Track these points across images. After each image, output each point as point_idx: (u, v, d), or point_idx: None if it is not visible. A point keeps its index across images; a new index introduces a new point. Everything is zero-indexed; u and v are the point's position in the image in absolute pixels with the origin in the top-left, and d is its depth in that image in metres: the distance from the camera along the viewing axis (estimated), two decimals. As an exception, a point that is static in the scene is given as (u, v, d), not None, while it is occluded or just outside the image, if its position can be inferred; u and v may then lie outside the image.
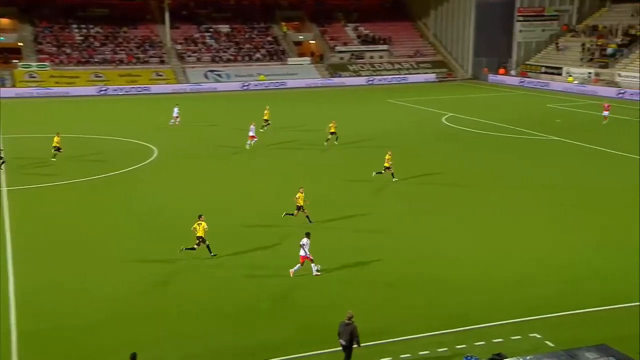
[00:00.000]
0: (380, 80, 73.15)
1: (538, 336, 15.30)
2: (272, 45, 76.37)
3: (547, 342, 15.02)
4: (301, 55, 76.84)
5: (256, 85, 69.10)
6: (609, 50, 66.94)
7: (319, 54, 76.72)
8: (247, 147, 36.88)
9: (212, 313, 16.88)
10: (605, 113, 45.59)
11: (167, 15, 71.29)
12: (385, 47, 78.50)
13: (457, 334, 15.55)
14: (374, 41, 78.92)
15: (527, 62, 74.25)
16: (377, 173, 29.44)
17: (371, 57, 77.12)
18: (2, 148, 34.26)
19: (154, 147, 37.39)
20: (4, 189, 28.47)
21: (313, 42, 79.22)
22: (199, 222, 20.10)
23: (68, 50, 68.69)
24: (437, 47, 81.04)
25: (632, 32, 67.53)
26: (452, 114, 49.73)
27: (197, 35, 75.14)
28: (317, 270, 18.94)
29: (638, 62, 63.47)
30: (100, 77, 66.42)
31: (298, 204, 23.20)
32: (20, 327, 16.10)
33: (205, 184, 29.79)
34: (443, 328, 15.81)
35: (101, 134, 41.62)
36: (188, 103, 47.27)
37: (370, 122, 46.27)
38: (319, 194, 25.15)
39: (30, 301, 17.59)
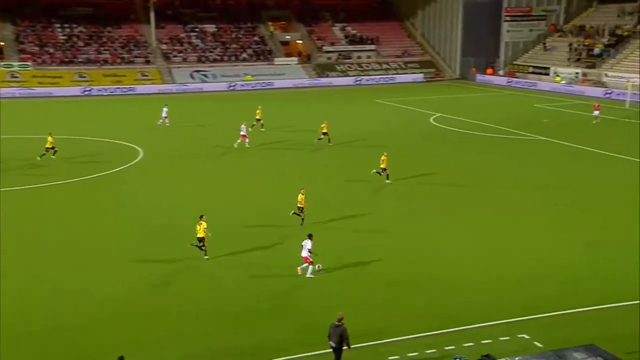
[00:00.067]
0: (367, 80, 72.79)
1: (527, 337, 15.28)
2: (258, 45, 75.77)
3: (535, 342, 14.98)
4: (288, 55, 76.32)
5: (243, 85, 68.50)
6: (596, 51, 67.04)
7: (306, 54, 76.24)
8: (236, 145, 36.86)
9: (212, 313, 16.89)
10: (596, 113, 45.53)
11: (152, 15, 70.47)
12: (372, 47, 78.17)
13: (445, 335, 15.52)
14: (361, 41, 78.57)
15: (515, 62, 74.23)
16: (376, 172, 29.24)
17: (359, 57, 76.74)
18: None
19: (139, 148, 36.99)
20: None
21: (300, 42, 78.71)
22: (200, 222, 19.99)
23: (51, 50, 67.68)
24: (424, 47, 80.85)
25: (619, 32, 67.69)
26: (440, 114, 49.55)
27: (182, 35, 74.37)
28: (313, 272, 18.77)
29: (625, 63, 63.62)
30: (84, 77, 65.51)
31: (300, 205, 23.08)
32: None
33: (200, 184, 29.65)
34: (432, 329, 15.77)
35: (90, 135, 41.05)
36: (174, 103, 46.99)
37: (358, 123, 45.94)
38: (315, 194, 25.04)
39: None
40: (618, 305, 17.01)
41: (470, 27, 74.65)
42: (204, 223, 19.96)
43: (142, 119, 48.20)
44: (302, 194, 23.09)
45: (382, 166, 28.90)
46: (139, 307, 17.23)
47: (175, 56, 71.26)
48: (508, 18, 75.16)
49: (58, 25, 70.95)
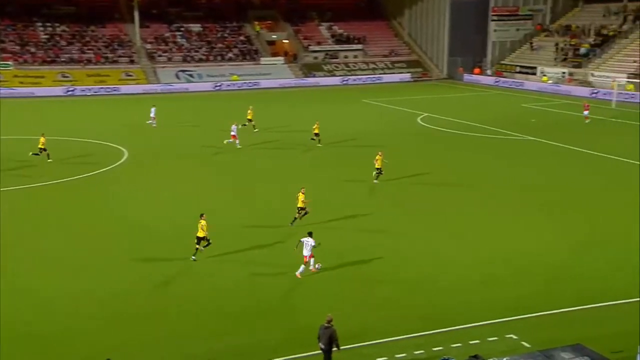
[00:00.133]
0: (354, 80, 72.43)
1: (514, 337, 15.30)
2: (244, 45, 75.11)
3: (523, 342, 15.01)
4: (274, 55, 75.73)
5: (229, 85, 67.85)
6: (582, 50, 67.20)
7: (293, 54, 75.70)
8: (225, 142, 36.81)
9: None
10: (586, 112, 45.51)
11: (136, 14, 69.57)
12: (359, 46, 77.82)
13: (434, 335, 15.50)
14: (348, 41, 78.19)
15: (502, 62, 74.23)
16: (377, 175, 29.05)
17: (345, 57, 76.37)
18: None
19: (124, 149, 36.54)
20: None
21: (286, 41, 78.15)
22: (200, 220, 19.92)
23: (32, 49, 66.56)
24: (411, 47, 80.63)
25: (604, 32, 67.88)
26: (427, 114, 49.36)
27: (167, 35, 73.52)
28: (305, 272, 18.76)
29: (611, 62, 63.79)
30: (67, 77, 64.53)
31: (300, 206, 22.96)
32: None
33: (193, 184, 29.45)
34: (420, 330, 15.74)
35: (73, 135, 40.38)
36: (160, 104, 46.54)
37: (345, 123, 45.58)
38: (311, 195, 24.74)
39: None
40: (604, 305, 17.10)
41: (458, 27, 74.50)
42: (203, 221, 19.85)
43: (127, 119, 47.61)
44: (303, 193, 22.96)
45: (376, 166, 28.85)
46: (139, 307, 17.23)
47: (160, 56, 70.43)
48: (495, 17, 75.15)
49: (40, 24, 69.81)
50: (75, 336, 15.74)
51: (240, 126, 39.04)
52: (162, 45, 71.95)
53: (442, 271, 19.47)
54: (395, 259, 20.41)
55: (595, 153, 35.52)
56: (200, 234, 19.82)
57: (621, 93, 55.99)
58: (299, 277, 18.72)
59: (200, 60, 71.21)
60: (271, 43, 77.60)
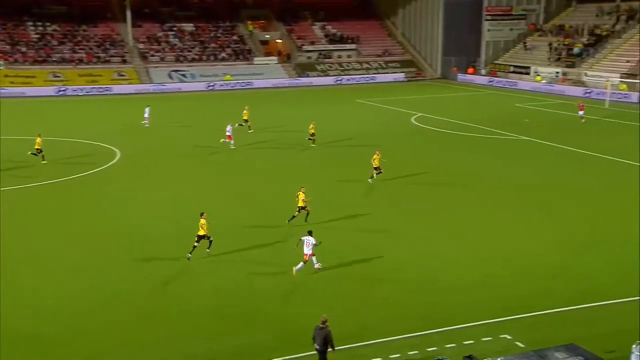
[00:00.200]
0: (348, 80, 72.21)
1: (508, 337, 15.31)
2: (237, 45, 74.75)
3: (517, 342, 15.01)
4: (268, 54, 75.42)
5: (222, 85, 67.48)
6: (576, 50, 67.23)
7: (286, 54, 75.40)
8: (221, 141, 36.68)
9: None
10: (581, 112, 45.50)
11: (128, 13, 69.12)
12: (353, 46, 77.61)
13: (428, 336, 15.49)
14: (341, 40, 77.97)
15: (496, 62, 74.19)
16: (377, 174, 29.01)
17: (339, 57, 76.15)
18: None
19: (117, 149, 36.30)
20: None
21: (280, 41, 77.84)
22: (200, 219, 19.98)
23: (23, 49, 65.99)
24: (405, 47, 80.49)
25: (598, 32, 67.95)
26: (421, 114, 49.23)
27: (160, 34, 73.07)
28: (298, 270, 18.79)
29: (604, 62, 63.84)
30: (58, 77, 64.01)
31: (300, 205, 22.95)
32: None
33: (192, 184, 29.37)
34: (414, 330, 15.72)
35: (65, 136, 39.99)
36: (153, 104, 46.10)
37: (339, 123, 45.35)
38: (309, 194, 24.70)
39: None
40: (598, 305, 17.12)
41: (451, 26, 74.41)
42: (203, 220, 19.89)
43: (120, 119, 47.26)
44: (303, 193, 22.95)
45: (374, 165, 28.86)
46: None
47: (152, 55, 69.98)
48: (489, 17, 75.07)
49: (30, 23, 69.21)
50: (75, 336, 15.72)
51: (236, 125, 38.87)
52: (154, 45, 71.50)
53: (439, 271, 19.43)
54: (392, 259, 20.36)
55: (590, 153, 35.45)
56: (201, 232, 19.85)
57: (614, 93, 56.04)
58: (294, 273, 18.69)
59: (193, 60, 70.81)
60: (264, 43, 77.27)
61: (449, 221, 24.11)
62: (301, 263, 18.75)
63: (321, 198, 25.52)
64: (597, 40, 66.69)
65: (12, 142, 36.41)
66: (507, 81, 68.81)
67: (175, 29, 74.16)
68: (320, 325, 13.69)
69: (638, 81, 57.68)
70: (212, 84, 67.24)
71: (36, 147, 32.55)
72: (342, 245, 21.24)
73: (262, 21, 79.55)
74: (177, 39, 73.04)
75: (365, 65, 75.65)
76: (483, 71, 74.02)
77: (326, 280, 18.79)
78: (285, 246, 20.95)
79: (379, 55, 77.44)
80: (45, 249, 21.39)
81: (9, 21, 68.35)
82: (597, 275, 19.28)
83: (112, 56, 68.41)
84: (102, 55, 68.25)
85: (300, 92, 65.67)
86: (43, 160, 32.60)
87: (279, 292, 18.08)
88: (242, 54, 73.25)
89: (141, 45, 70.80)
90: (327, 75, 72.96)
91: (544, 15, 76.64)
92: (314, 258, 18.86)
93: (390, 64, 76.47)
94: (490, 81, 69.92)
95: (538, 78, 66.71)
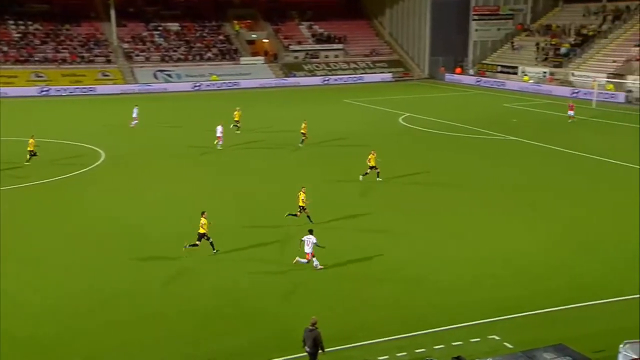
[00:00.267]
0: (335, 80, 71.79)
1: (497, 338, 15.31)
2: (224, 44, 74.06)
3: (505, 343, 15.02)
4: (254, 54, 74.83)
5: (208, 85, 66.79)
6: (563, 50, 67.29)
7: (273, 53, 74.84)
8: (216, 142, 36.42)
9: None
10: (571, 112, 45.49)
11: (112, 13, 68.24)
12: (340, 46, 77.20)
13: (416, 337, 15.47)
14: (329, 40, 77.53)
15: (484, 62, 74.13)
16: (364, 175, 29.13)
17: (326, 57, 75.69)
18: None
19: (101, 151, 35.84)
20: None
21: (266, 41, 77.25)
22: (201, 219, 20.17)
23: (5, 48, 64.90)
24: (393, 46, 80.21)
25: (584, 31, 68.05)
26: (409, 114, 49.00)
27: (145, 34, 72.20)
28: (297, 261, 19.10)
29: (591, 62, 63.93)
30: (41, 77, 63.03)
31: (301, 205, 23.07)
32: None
33: (185, 185, 29.25)
34: (402, 332, 15.69)
35: (49, 137, 39.12)
36: (139, 104, 45.51)
37: (327, 123, 44.91)
38: (307, 195, 24.64)
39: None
40: (586, 305, 17.16)
41: (439, 26, 74.22)
42: (203, 219, 20.08)
43: (105, 120, 46.71)
44: (303, 193, 23.06)
45: (370, 164, 28.92)
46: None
47: (137, 55, 69.12)
48: (476, 17, 75.02)
49: (12, 22, 68.06)
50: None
51: (231, 127, 38.69)
52: (139, 45, 70.64)
53: (431, 272, 19.40)
54: (390, 259, 20.34)
55: (577, 153, 35.39)
56: (201, 231, 20.06)
57: (601, 93, 56.08)
58: (294, 262, 19.16)
59: (179, 60, 70.06)
60: (251, 42, 76.65)
61: (442, 221, 24.18)
62: (304, 260, 19.04)
63: (318, 198, 25.39)
64: (584, 40, 66.78)
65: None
66: (494, 81, 68.73)
67: (160, 28, 73.33)
68: (310, 327, 13.60)
69: (624, 81, 57.80)
70: (198, 84, 66.55)
71: (29, 148, 32.41)
72: (341, 245, 21.18)
73: (249, 21, 78.90)
74: (162, 39, 72.22)
75: (352, 65, 75.28)
76: (471, 71, 73.90)
77: (326, 280, 18.81)
78: (285, 246, 21.03)
79: (366, 55, 77.10)
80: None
81: (-10, 20, 67.36)
82: (586, 275, 19.28)
83: (96, 56, 67.49)
84: (86, 55, 67.29)
85: (287, 92, 65.20)
86: (27, 161, 32.26)
87: (279, 292, 18.10)
88: (229, 54, 72.59)
89: (126, 45, 69.91)
90: (315, 75, 72.49)
91: (531, 15, 76.72)
92: (314, 259, 18.99)
93: (377, 64, 76.15)
94: (478, 81, 69.81)
95: (525, 78, 66.70)
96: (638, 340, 13.14)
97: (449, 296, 17.76)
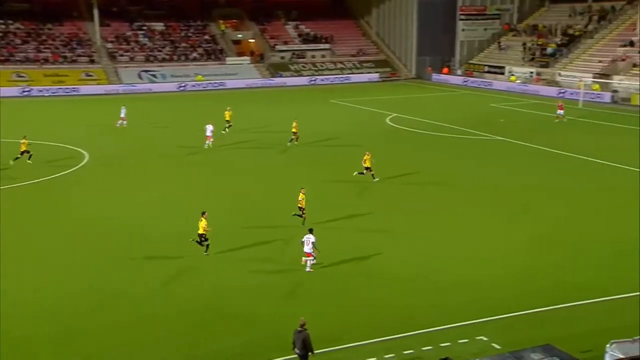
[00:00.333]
0: (322, 80, 71.36)
1: (485, 339, 15.30)
2: (209, 44, 73.36)
3: (493, 344, 15.01)
4: (240, 54, 74.18)
5: (193, 85, 66.11)
6: (549, 50, 67.35)
7: (259, 54, 74.26)
8: (206, 145, 36.29)
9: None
10: (561, 112, 45.49)
11: (95, 12, 67.32)
12: (327, 46, 76.80)
13: (404, 338, 15.42)
14: (315, 40, 77.10)
15: (471, 62, 74.04)
16: (358, 173, 29.09)
17: (313, 57, 75.26)
18: None
19: (85, 152, 35.39)
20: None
21: (252, 40, 76.63)
22: (201, 219, 20.16)
23: (-16, 48, 63.86)
24: (380, 46, 79.93)
25: (570, 32, 68.17)
26: (396, 114, 48.76)
27: (129, 34, 71.31)
28: (311, 268, 19.15)
29: (577, 62, 64.02)
30: (22, 77, 62.00)
31: (300, 205, 22.95)
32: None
33: (179, 185, 29.12)
34: (390, 333, 15.61)
35: (32, 138, 38.02)
36: (123, 105, 44.68)
37: (314, 124, 44.39)
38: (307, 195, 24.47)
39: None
40: (573, 305, 17.17)
41: (426, 26, 74.05)
42: (204, 219, 20.08)
43: (89, 120, 46.06)
44: (303, 194, 22.94)
45: (365, 165, 28.82)
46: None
47: (121, 55, 68.24)
48: (463, 17, 74.93)
49: (-8, 21, 67.06)
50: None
51: (223, 131, 38.86)
52: (123, 45, 69.75)
53: (410, 273, 19.37)
54: (376, 260, 20.24)
55: (564, 153, 35.30)
56: (200, 231, 20.14)
57: (588, 93, 56.10)
58: (302, 263, 19.25)
59: (164, 60, 69.27)
60: (237, 42, 75.98)
61: (432, 222, 24.26)
62: (313, 260, 19.11)
63: (313, 198, 25.19)
64: (570, 40, 66.90)
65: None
66: (481, 81, 68.65)
67: (144, 28, 72.47)
68: (299, 329, 13.49)
69: (610, 81, 57.90)
70: (183, 85, 65.84)
71: (22, 149, 32.12)
72: (341, 244, 21.13)
73: (234, 20, 78.25)
74: (146, 39, 71.37)
75: (339, 65, 74.89)
76: (459, 71, 73.80)
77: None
78: (285, 246, 21.08)
79: (353, 55, 76.75)
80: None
81: (-31, 19, 66.15)
82: (573, 275, 19.21)
83: (79, 56, 66.52)
84: (68, 54, 66.31)
85: (273, 92, 64.74)
86: (12, 162, 31.92)
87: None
88: (214, 54, 71.91)
89: (109, 45, 69.00)
90: (301, 75, 72.03)
91: (518, 15, 76.80)
92: (309, 261, 18.96)
93: (364, 64, 75.82)
94: (465, 81, 69.70)
95: (512, 78, 66.66)
96: (624, 339, 13.15)
97: (437, 297, 17.67)
